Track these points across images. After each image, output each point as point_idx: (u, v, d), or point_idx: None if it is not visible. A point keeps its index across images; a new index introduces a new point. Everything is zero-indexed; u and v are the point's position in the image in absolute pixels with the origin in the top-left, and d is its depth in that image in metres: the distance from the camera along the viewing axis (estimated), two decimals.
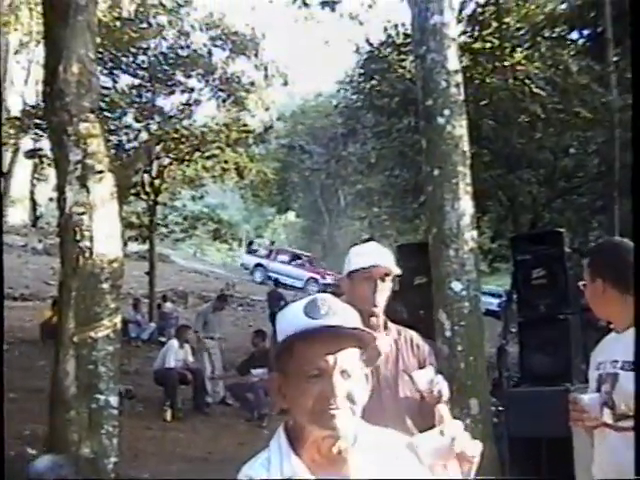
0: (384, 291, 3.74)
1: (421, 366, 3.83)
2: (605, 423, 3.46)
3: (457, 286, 7.92)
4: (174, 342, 14.84)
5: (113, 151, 18.94)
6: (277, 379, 1.93)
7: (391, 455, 1.96)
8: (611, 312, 3.61)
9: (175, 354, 14.53)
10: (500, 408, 9.07)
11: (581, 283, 3.69)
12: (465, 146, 8.28)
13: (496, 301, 25.77)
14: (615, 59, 15.21)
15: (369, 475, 1.87)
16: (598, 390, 3.53)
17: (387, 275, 3.74)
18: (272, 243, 45.08)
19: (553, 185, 16.81)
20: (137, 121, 21.68)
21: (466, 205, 8.11)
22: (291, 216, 57.14)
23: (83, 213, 7.69)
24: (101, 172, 7.91)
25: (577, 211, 17.71)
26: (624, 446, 3.38)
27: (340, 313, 1.89)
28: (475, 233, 8.33)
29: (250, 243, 43.45)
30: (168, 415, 13.68)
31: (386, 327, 3.85)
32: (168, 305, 23.68)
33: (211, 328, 16.23)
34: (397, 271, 3.77)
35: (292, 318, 1.90)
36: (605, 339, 3.70)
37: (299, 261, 37.70)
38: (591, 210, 17.79)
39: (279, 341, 1.90)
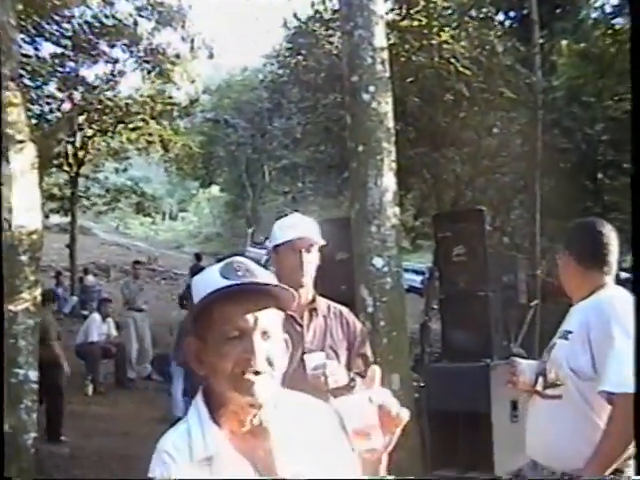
0: (311, 262, 3.73)
1: (350, 344, 3.83)
2: (535, 390, 3.60)
3: (378, 262, 7.95)
4: (96, 316, 14.72)
5: (35, 121, 18.59)
6: (194, 343, 1.88)
7: (313, 422, 1.94)
8: (571, 284, 3.72)
9: (98, 328, 14.42)
10: (422, 384, 9.20)
11: (558, 255, 3.81)
12: (390, 123, 8.30)
13: (419, 278, 25.97)
14: (540, 41, 15.41)
15: (290, 445, 1.85)
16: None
17: (312, 246, 3.74)
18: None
19: (476, 164, 16.95)
20: (60, 90, 21.25)
21: (389, 182, 8.14)
22: (215, 190, 56.67)
23: (2, 184, 7.54)
24: (22, 142, 7.77)
25: (499, 190, 17.90)
26: (548, 414, 3.50)
27: (257, 274, 1.85)
28: (398, 210, 8.36)
29: (253, 234, 40.15)
30: (89, 390, 13.58)
31: (314, 300, 3.83)
32: (90, 278, 23.45)
33: (136, 300, 16.07)
34: (322, 242, 3.77)
35: (208, 280, 1.85)
36: None
37: None
38: (513, 189, 18.00)
39: (196, 304, 1.85)
